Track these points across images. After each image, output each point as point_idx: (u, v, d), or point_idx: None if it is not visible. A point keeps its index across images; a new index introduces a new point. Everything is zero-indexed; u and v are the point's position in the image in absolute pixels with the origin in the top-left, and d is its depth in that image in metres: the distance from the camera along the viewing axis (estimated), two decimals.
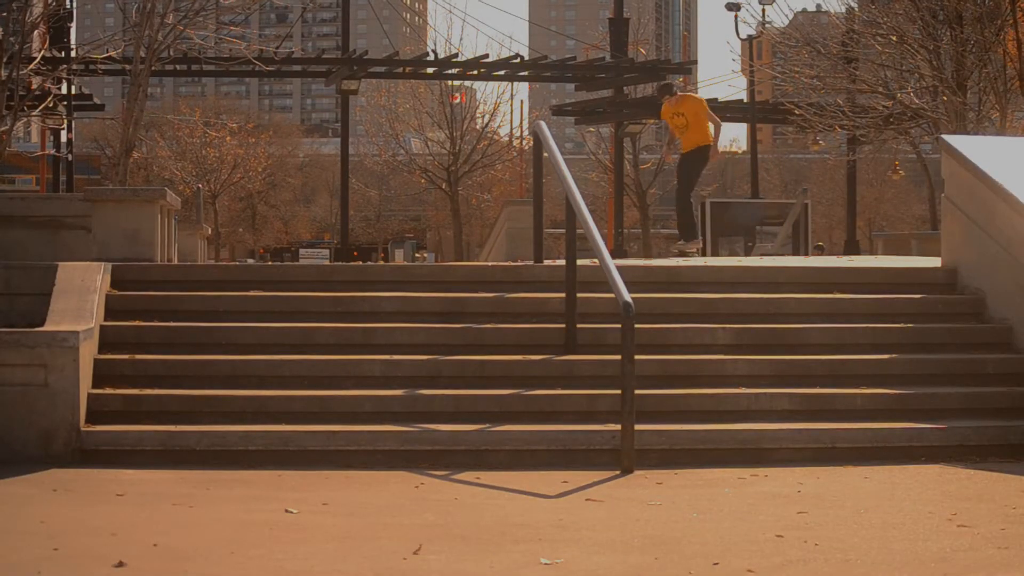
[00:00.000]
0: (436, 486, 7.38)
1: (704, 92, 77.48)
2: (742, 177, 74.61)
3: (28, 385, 7.77)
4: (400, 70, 36.72)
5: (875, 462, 8.09)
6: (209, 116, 71.52)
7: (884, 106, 25.78)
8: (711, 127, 15.38)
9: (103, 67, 24.89)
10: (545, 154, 10.01)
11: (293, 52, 36.26)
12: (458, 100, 57.14)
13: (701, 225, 34.72)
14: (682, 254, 15.36)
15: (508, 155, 63.80)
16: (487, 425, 8.23)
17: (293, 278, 10.09)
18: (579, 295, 9.23)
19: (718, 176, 77.51)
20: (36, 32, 22.56)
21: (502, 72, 36.60)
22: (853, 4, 27.57)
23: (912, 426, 8.45)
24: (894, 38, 24.14)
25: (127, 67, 23.71)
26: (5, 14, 20.03)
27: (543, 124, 10.25)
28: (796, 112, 27.45)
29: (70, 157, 30.20)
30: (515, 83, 48.79)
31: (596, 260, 8.61)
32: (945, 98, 22.82)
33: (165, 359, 8.79)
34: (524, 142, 61.75)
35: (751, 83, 38.79)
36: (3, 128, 19.31)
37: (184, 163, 68.72)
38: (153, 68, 22.03)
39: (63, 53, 25.52)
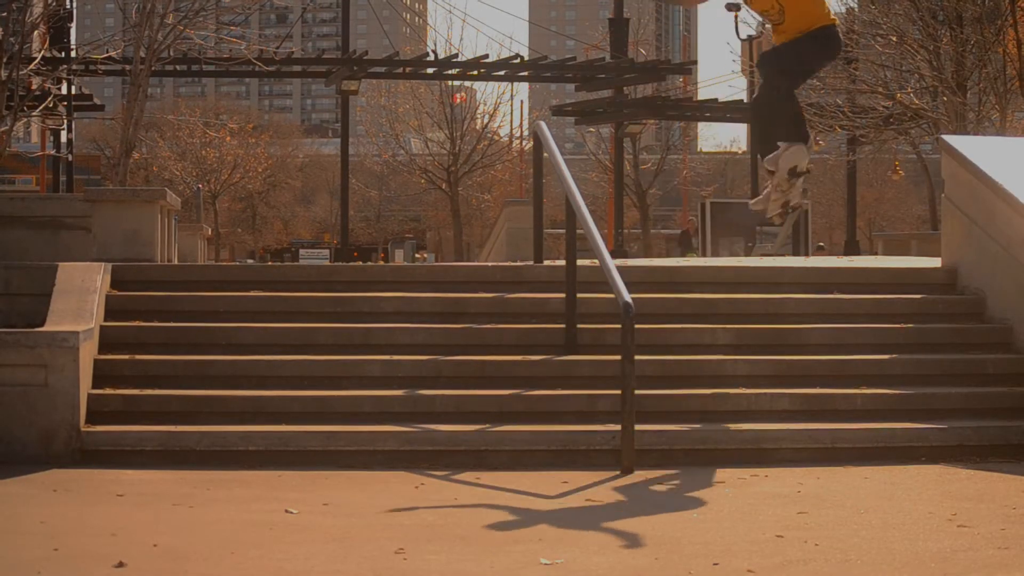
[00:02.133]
0: (436, 486, 7.38)
1: (704, 92, 77.54)
2: (742, 177, 74.62)
3: (28, 385, 7.77)
4: (400, 70, 36.74)
5: (875, 462, 8.09)
6: (209, 116, 71.55)
7: (884, 106, 25.82)
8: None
9: (103, 67, 24.92)
10: (545, 154, 10.00)
11: (293, 52, 36.28)
12: (459, 101, 57.19)
13: (701, 226, 34.77)
14: (795, 173, 9.44)
15: (508, 155, 63.84)
16: (487, 425, 8.23)
17: (293, 278, 10.09)
18: (579, 295, 9.22)
19: (718, 176, 77.56)
20: (36, 32, 22.58)
21: (502, 72, 36.61)
22: (853, 4, 27.60)
23: (912, 426, 8.44)
24: (894, 38, 24.18)
25: (127, 67, 23.73)
26: (5, 14, 20.04)
27: (543, 124, 10.24)
28: None
29: (70, 157, 30.21)
30: (515, 83, 48.82)
31: (596, 260, 8.61)
32: (945, 98, 22.85)
33: (165, 359, 8.79)
34: (524, 142, 61.78)
35: (751, 83, 38.78)
36: (3, 128, 19.33)
37: (184, 163, 68.75)
38: (153, 68, 22.07)
39: (63, 53, 25.54)
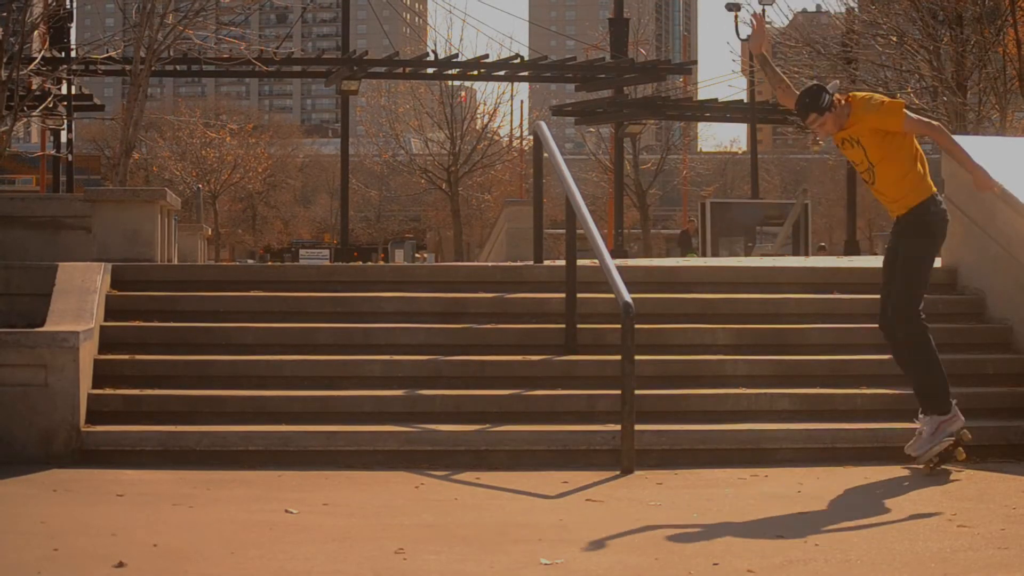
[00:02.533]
0: (436, 486, 7.38)
1: (704, 92, 77.54)
2: (742, 178, 74.64)
3: (28, 385, 7.77)
4: (400, 70, 36.76)
5: (875, 462, 8.09)
6: (209, 116, 71.57)
7: None
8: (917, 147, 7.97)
9: (103, 67, 24.91)
10: (545, 154, 10.01)
11: (293, 52, 36.29)
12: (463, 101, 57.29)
13: (701, 226, 34.73)
14: (938, 459, 7.89)
15: (508, 155, 63.84)
16: (487, 425, 8.23)
17: (293, 278, 10.09)
18: (579, 295, 9.23)
19: (718, 176, 77.55)
20: (36, 32, 22.59)
21: (502, 72, 36.62)
22: (853, 4, 27.59)
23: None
24: (894, 38, 24.18)
25: (127, 67, 23.74)
26: (5, 14, 20.04)
27: (543, 124, 10.25)
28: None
29: (70, 157, 30.21)
30: (515, 83, 48.82)
31: (596, 260, 8.61)
32: (945, 98, 22.85)
33: (165, 359, 8.79)
34: (524, 142, 61.78)
35: (751, 83, 38.82)
36: (3, 128, 19.33)
37: (184, 163, 68.74)
38: (153, 68, 22.06)
39: (63, 53, 25.53)
